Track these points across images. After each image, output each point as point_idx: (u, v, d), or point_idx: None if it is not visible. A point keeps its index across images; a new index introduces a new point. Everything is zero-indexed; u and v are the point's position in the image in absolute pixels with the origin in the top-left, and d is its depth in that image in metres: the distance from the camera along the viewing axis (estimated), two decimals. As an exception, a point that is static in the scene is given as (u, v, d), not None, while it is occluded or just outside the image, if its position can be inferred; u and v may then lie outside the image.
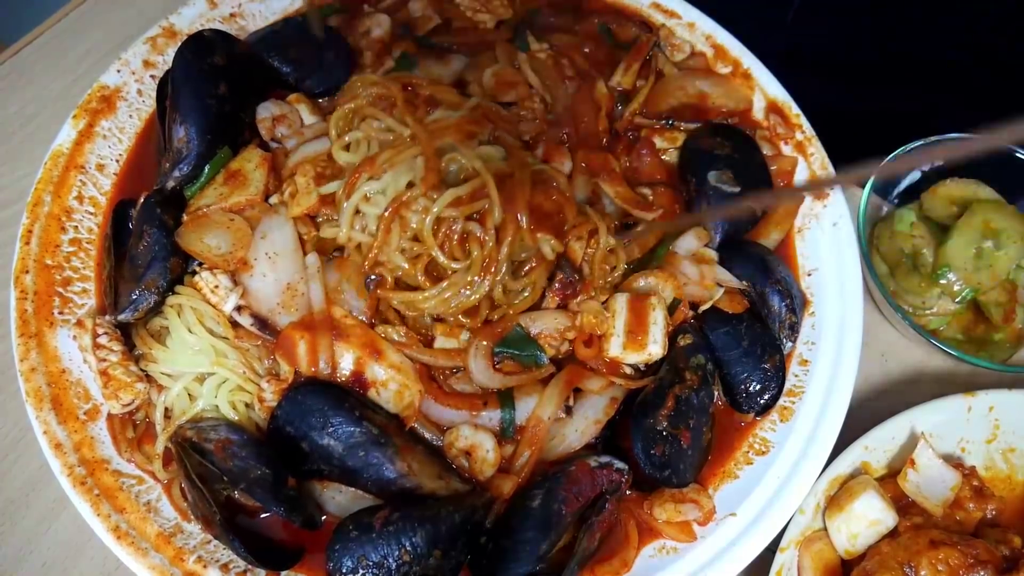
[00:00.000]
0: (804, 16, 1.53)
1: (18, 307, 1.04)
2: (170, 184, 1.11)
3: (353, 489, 0.99)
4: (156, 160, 1.18)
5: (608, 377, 1.05)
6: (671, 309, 1.07)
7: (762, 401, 1.08)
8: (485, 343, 1.02)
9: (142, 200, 1.08)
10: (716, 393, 1.07)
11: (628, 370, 1.07)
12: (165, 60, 1.24)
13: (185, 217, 1.09)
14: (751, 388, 1.07)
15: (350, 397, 0.98)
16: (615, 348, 1.04)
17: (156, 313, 1.05)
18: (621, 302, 1.05)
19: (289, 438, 0.96)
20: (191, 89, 1.12)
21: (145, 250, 1.04)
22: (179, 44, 1.16)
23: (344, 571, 0.87)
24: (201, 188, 1.11)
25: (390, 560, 0.87)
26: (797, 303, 1.14)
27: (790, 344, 1.13)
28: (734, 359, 1.08)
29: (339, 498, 0.99)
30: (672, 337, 1.06)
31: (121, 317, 1.03)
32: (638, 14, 1.40)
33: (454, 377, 1.05)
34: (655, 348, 1.03)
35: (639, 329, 1.03)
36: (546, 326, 1.04)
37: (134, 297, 1.03)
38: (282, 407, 0.96)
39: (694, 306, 1.10)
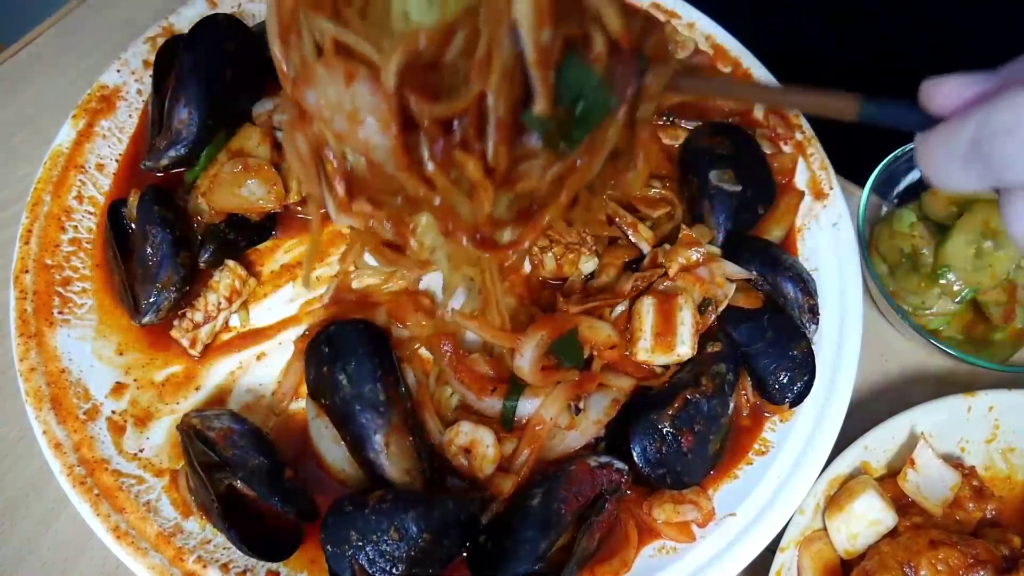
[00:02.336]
0: (804, 16, 1.53)
1: (17, 307, 1.04)
2: (163, 162, 1.13)
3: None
4: (148, 134, 1.19)
5: (633, 379, 1.05)
6: (701, 309, 1.07)
7: (796, 389, 1.07)
8: (545, 334, 1.01)
9: (137, 201, 1.08)
10: (732, 405, 1.05)
11: (659, 371, 1.07)
12: (165, 60, 1.23)
13: (194, 192, 1.11)
14: (782, 378, 1.07)
15: (388, 356, 1.01)
16: (642, 352, 1.03)
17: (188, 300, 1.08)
18: (647, 304, 1.04)
19: (320, 356, 1.00)
20: (200, 72, 1.13)
21: (153, 251, 1.06)
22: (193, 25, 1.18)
23: (334, 543, 0.89)
24: (203, 170, 1.13)
25: (380, 537, 0.89)
26: (811, 286, 1.14)
27: (814, 327, 1.13)
28: (760, 352, 1.08)
29: (340, 452, 1.01)
30: (702, 343, 1.06)
31: (145, 321, 1.05)
32: (642, 11, 1.40)
33: (477, 353, 1.06)
34: (683, 349, 1.02)
35: (667, 330, 1.03)
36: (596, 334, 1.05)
37: (152, 300, 1.05)
38: (332, 328, 1.01)
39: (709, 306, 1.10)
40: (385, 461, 0.96)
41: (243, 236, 1.14)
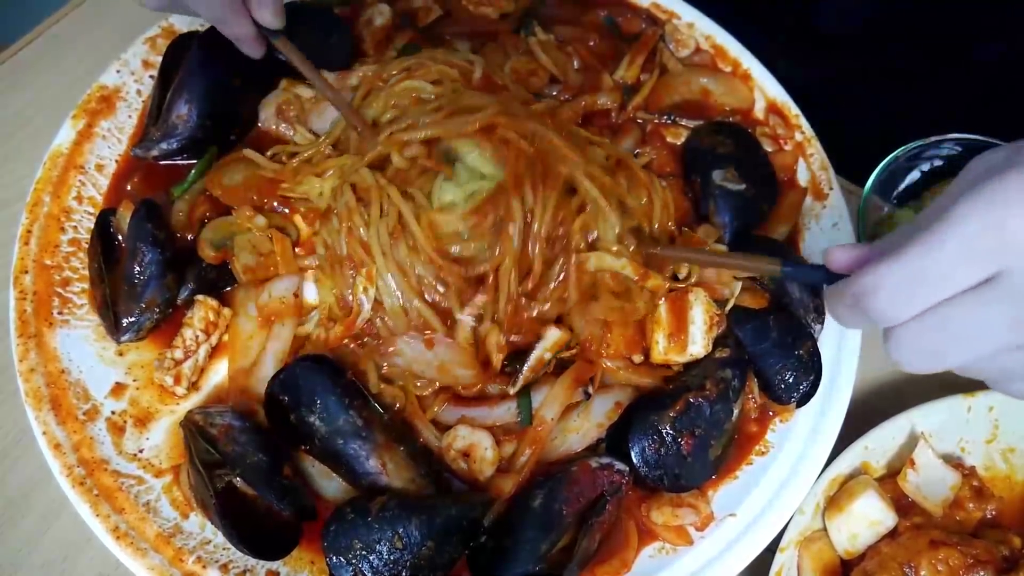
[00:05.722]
0: (804, 19, 1.53)
1: (17, 307, 1.04)
2: (153, 152, 1.13)
3: (345, 474, 1.01)
4: (144, 123, 1.20)
5: (645, 377, 1.06)
6: (719, 305, 1.08)
7: (802, 388, 1.07)
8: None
9: (129, 216, 1.07)
10: (736, 412, 1.05)
11: (677, 368, 1.08)
12: (164, 60, 1.23)
13: (179, 204, 1.12)
14: (788, 378, 1.07)
15: (345, 381, 0.98)
16: (659, 350, 1.05)
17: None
18: (662, 306, 1.05)
19: (282, 406, 0.98)
20: (208, 73, 1.13)
21: (141, 269, 1.04)
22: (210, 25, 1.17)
23: (337, 551, 0.89)
24: (190, 185, 1.13)
25: (383, 545, 0.89)
26: (817, 286, 1.14)
27: (820, 327, 1.13)
28: (765, 352, 1.08)
29: (335, 484, 1.00)
30: (712, 348, 1.06)
31: (123, 339, 1.04)
32: (643, 9, 1.40)
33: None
34: (695, 348, 1.04)
35: (679, 331, 1.04)
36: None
37: (134, 319, 1.04)
38: (282, 375, 0.99)
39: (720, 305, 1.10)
40: (387, 480, 0.95)
41: (222, 277, 1.10)
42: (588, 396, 1.03)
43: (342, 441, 0.96)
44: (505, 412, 1.03)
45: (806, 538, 1.02)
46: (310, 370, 0.98)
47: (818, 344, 1.10)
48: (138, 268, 1.05)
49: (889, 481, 1.05)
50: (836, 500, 1.03)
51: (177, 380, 1.04)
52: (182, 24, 1.27)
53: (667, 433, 0.99)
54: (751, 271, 1.05)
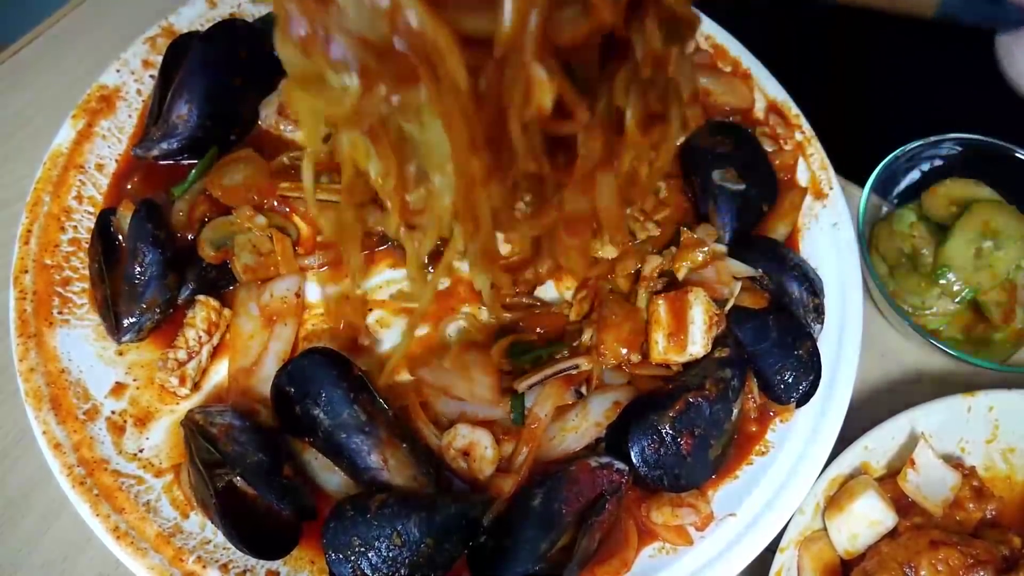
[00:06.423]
0: (807, 20, 1.53)
1: (17, 307, 1.04)
2: (154, 152, 1.14)
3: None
4: (144, 123, 1.20)
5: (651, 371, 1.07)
6: (719, 305, 1.07)
7: (802, 388, 1.07)
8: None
9: (130, 216, 1.07)
10: (736, 411, 1.05)
11: (676, 368, 1.08)
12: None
13: (180, 203, 1.11)
14: (787, 378, 1.07)
15: (352, 376, 0.99)
16: (659, 350, 1.05)
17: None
18: (662, 307, 1.05)
19: (288, 398, 0.98)
20: (209, 73, 1.14)
21: (142, 270, 1.05)
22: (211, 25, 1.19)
23: (336, 548, 0.89)
24: (190, 185, 1.13)
25: (382, 543, 0.89)
26: (817, 285, 1.15)
27: (819, 327, 1.13)
28: (765, 351, 1.08)
29: (336, 478, 1.01)
30: (712, 348, 1.06)
31: (124, 340, 1.05)
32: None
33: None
34: (695, 348, 1.04)
35: (679, 330, 1.04)
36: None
37: (134, 320, 1.04)
38: (289, 366, 0.99)
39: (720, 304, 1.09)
40: (388, 476, 0.96)
41: (222, 277, 1.11)
42: (581, 396, 1.03)
43: (345, 435, 0.96)
44: (500, 409, 1.03)
45: (806, 538, 1.02)
46: (317, 363, 0.98)
47: (818, 344, 1.11)
48: (139, 268, 1.05)
49: (889, 481, 1.05)
50: (836, 500, 1.03)
51: (182, 381, 1.04)
52: (182, 24, 1.27)
53: (667, 433, 0.99)
54: (890, 5, 0.78)
